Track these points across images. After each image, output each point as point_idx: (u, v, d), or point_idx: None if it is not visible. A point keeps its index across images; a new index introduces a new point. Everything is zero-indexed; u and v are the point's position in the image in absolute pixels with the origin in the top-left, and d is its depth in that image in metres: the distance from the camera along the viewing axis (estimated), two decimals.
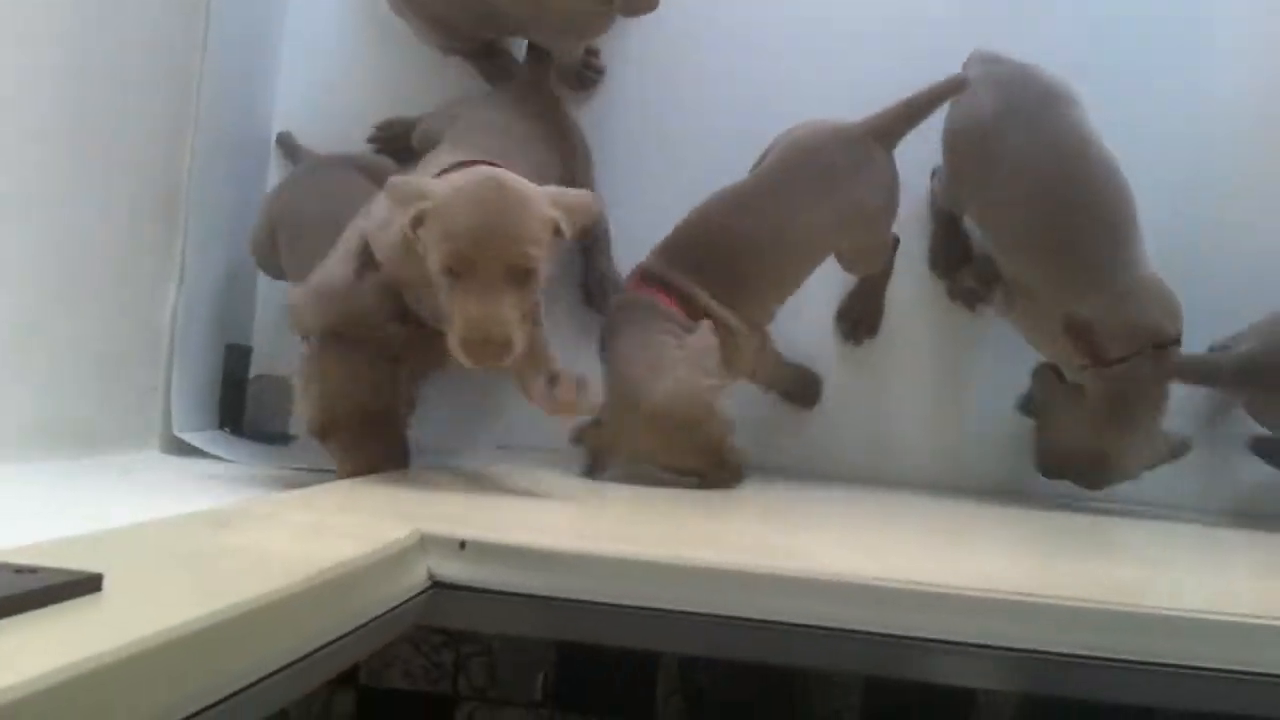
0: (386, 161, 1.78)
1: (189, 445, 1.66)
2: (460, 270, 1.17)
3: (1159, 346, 1.51)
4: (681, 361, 1.41)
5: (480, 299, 1.16)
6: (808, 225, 1.54)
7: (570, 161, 1.65)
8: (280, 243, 1.65)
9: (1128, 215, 1.53)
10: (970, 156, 1.60)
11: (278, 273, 1.72)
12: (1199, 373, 1.58)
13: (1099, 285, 1.51)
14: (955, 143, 1.63)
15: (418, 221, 1.20)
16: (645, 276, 1.53)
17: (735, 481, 1.45)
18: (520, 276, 1.18)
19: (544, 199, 1.23)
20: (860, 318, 1.81)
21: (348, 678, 1.84)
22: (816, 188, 1.55)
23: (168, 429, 1.67)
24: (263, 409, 1.81)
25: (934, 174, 1.75)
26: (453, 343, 1.18)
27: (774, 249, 1.54)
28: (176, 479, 1.47)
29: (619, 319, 1.51)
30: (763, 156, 1.65)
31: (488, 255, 1.16)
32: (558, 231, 1.22)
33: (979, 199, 1.62)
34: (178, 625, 0.59)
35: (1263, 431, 1.67)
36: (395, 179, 1.28)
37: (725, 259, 1.53)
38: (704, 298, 1.50)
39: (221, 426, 1.79)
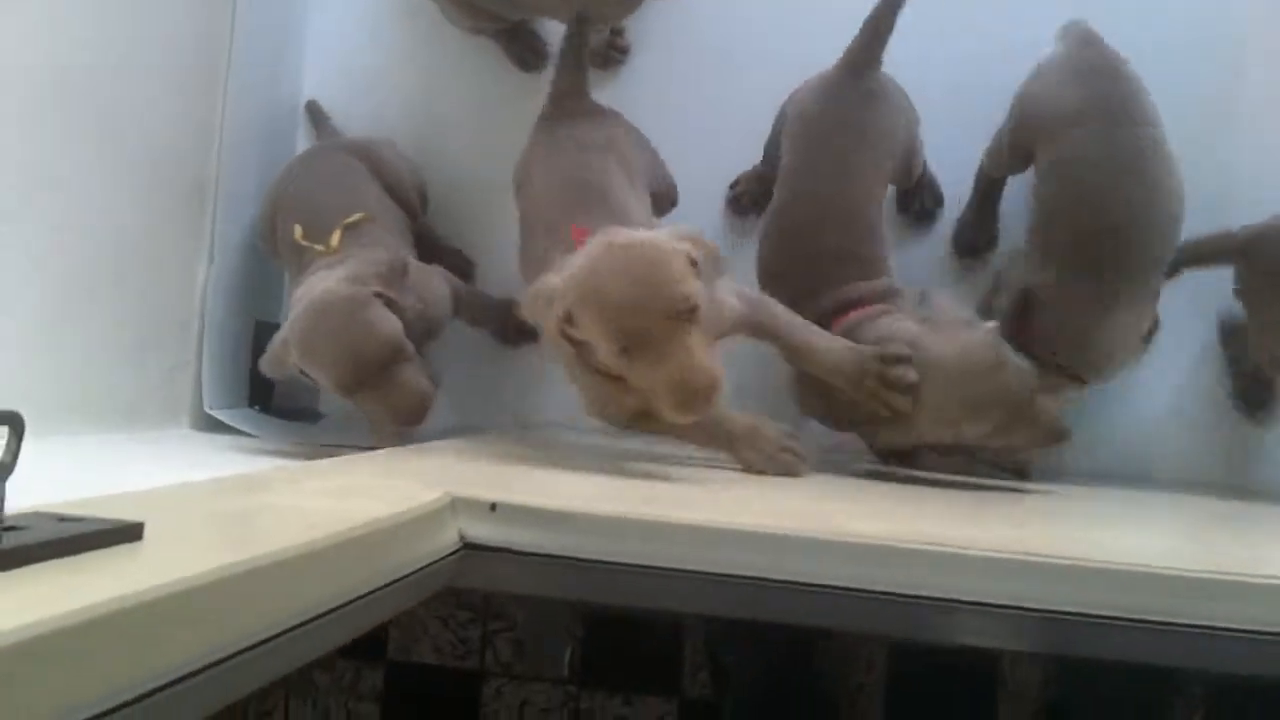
0: (384, 146, 1.79)
1: (219, 422, 1.68)
2: (634, 344, 1.13)
3: (1071, 377, 1.53)
4: (937, 327, 1.39)
5: (668, 360, 1.12)
6: (861, 171, 1.55)
7: (648, 166, 1.61)
8: (278, 227, 1.66)
9: (1159, 255, 1.52)
10: (1037, 135, 1.59)
11: (275, 257, 1.72)
12: (1211, 249, 1.57)
13: (1096, 293, 1.50)
14: (1026, 114, 1.61)
15: (568, 322, 1.17)
16: (827, 315, 1.48)
17: (1054, 440, 1.37)
18: (687, 316, 1.14)
19: (666, 238, 1.19)
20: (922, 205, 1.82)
21: (376, 652, 1.86)
22: (847, 137, 1.55)
23: (198, 406, 1.69)
24: (292, 386, 1.82)
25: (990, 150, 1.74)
26: (664, 409, 1.14)
27: (850, 211, 1.53)
28: (207, 453, 1.49)
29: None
30: (774, 134, 1.66)
31: (651, 317, 1.12)
32: (693, 262, 1.18)
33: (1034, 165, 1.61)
34: (214, 569, 0.61)
35: (1236, 318, 1.67)
36: (525, 300, 1.26)
37: (832, 251, 1.52)
38: (862, 287, 1.49)
39: (252, 404, 1.80)
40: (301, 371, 1.45)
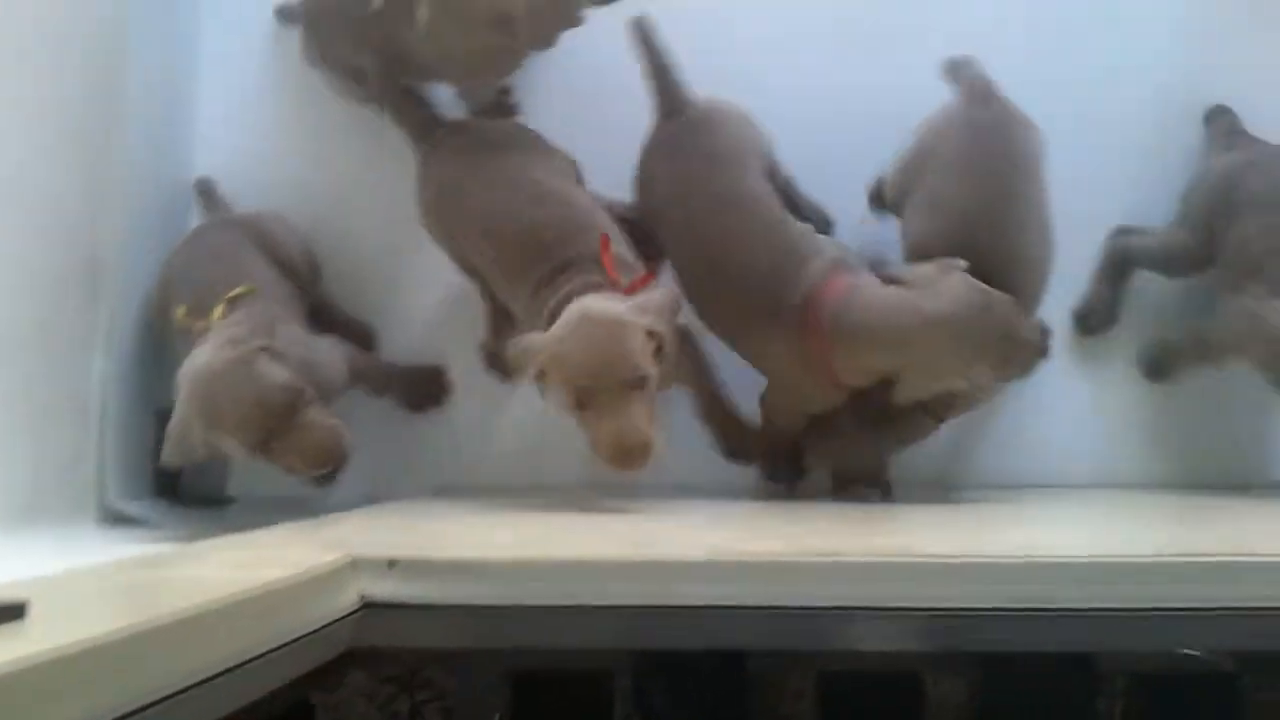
0: (272, 220, 1.81)
1: (126, 516, 1.66)
2: (586, 401, 1.36)
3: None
4: (918, 284, 1.48)
5: (610, 417, 1.34)
6: (738, 192, 1.60)
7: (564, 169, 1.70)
8: (168, 309, 1.67)
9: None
10: (920, 165, 1.68)
11: (169, 339, 1.71)
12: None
13: None
14: (919, 148, 1.69)
15: (541, 375, 1.40)
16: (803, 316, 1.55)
17: (1042, 353, 1.52)
18: (637, 384, 1.36)
19: (633, 314, 1.39)
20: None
21: None
22: (702, 169, 1.61)
23: (103, 500, 1.67)
24: (199, 472, 1.82)
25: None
26: (602, 460, 1.36)
27: (752, 227, 1.59)
28: (110, 545, 1.48)
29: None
30: (643, 195, 1.70)
31: (604, 382, 1.35)
32: (652, 335, 1.39)
33: (908, 202, 1.69)
34: (93, 637, 0.62)
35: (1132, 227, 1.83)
36: (514, 347, 1.45)
37: (762, 271, 1.56)
38: (810, 276, 1.55)
39: (158, 494, 1.79)
40: (207, 445, 1.45)
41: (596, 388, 1.35)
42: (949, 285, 1.46)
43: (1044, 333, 1.82)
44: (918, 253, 1.64)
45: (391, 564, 0.95)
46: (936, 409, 1.60)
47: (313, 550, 0.99)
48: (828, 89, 1.89)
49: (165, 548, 1.30)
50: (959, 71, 1.72)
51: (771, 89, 1.82)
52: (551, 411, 1.47)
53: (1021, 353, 1.47)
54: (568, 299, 1.45)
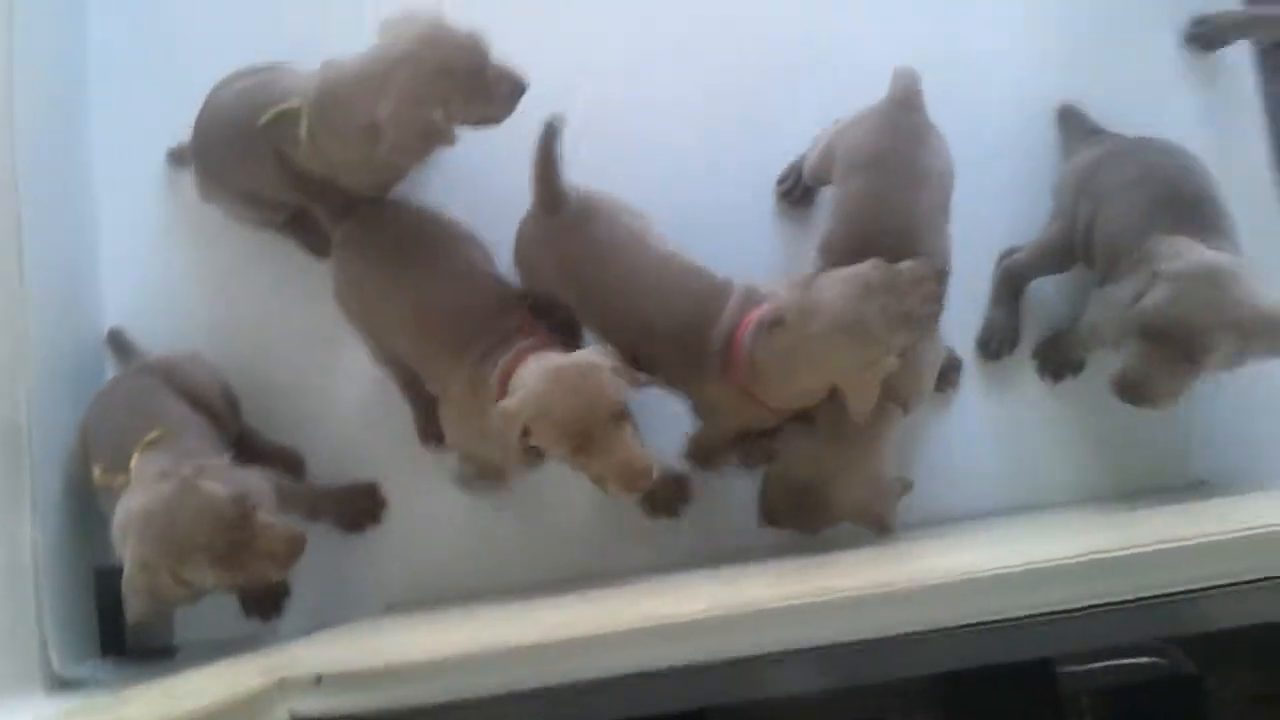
0: (184, 360, 1.85)
1: (76, 681, 1.66)
2: (583, 444, 1.47)
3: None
4: (798, 311, 1.55)
5: (611, 450, 1.48)
6: (639, 273, 1.68)
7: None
8: (91, 460, 1.71)
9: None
10: (833, 168, 1.77)
11: (93, 493, 1.75)
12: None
13: None
14: (838, 142, 1.79)
15: (526, 433, 1.50)
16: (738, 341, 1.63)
17: (941, 276, 1.58)
18: (621, 415, 1.49)
19: (596, 356, 1.53)
20: None
21: None
22: (616, 250, 1.69)
23: (49, 666, 1.67)
24: (144, 626, 1.82)
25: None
26: (613, 489, 1.50)
27: (660, 307, 1.66)
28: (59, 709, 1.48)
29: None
30: (530, 281, 1.77)
31: (594, 421, 1.47)
32: (617, 372, 1.52)
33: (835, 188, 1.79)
34: None
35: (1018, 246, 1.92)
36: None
37: (680, 330, 1.64)
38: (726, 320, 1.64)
39: (104, 653, 1.79)
40: (175, 581, 1.48)
41: (589, 428, 1.46)
42: (822, 299, 1.53)
43: (954, 367, 1.89)
44: (826, 246, 1.71)
45: (318, 680, 0.98)
46: (900, 395, 1.68)
47: (242, 676, 1.02)
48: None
49: (98, 699, 1.31)
50: (897, 78, 1.79)
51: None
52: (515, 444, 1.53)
53: (915, 292, 1.53)
54: (519, 359, 1.57)
